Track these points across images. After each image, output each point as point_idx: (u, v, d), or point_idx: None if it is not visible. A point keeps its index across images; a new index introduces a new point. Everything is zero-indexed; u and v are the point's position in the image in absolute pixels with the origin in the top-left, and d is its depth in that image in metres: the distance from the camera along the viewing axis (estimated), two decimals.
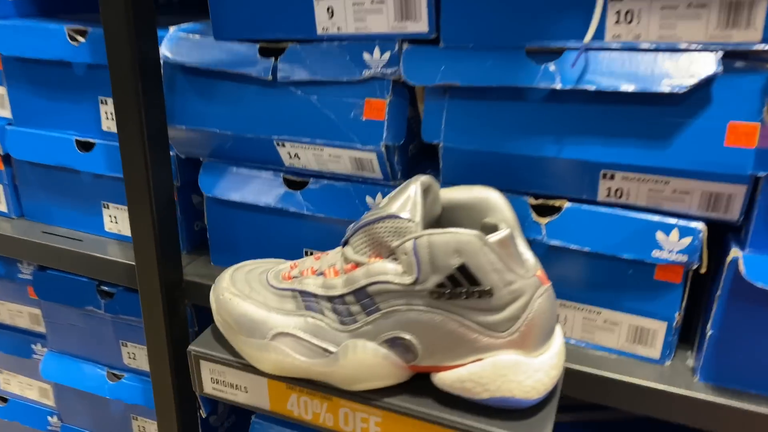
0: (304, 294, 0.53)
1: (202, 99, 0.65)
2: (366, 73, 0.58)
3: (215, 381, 0.59)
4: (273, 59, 0.61)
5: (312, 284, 0.53)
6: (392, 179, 0.62)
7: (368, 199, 0.62)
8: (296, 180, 0.66)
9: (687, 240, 0.52)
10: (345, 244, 0.52)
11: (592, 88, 0.50)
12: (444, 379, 0.51)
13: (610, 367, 0.58)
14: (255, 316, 0.54)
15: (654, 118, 0.51)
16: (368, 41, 0.57)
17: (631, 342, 0.58)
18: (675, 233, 0.53)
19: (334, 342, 0.51)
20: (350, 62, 0.58)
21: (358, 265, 0.50)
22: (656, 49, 0.49)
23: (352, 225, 0.53)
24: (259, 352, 0.54)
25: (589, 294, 0.58)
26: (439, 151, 0.58)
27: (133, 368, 0.86)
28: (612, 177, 0.53)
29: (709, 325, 0.54)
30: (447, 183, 0.59)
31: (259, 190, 0.67)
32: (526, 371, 0.49)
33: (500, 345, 0.49)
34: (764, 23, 0.46)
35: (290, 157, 0.64)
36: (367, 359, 0.51)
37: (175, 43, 0.64)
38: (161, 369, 0.72)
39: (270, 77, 0.61)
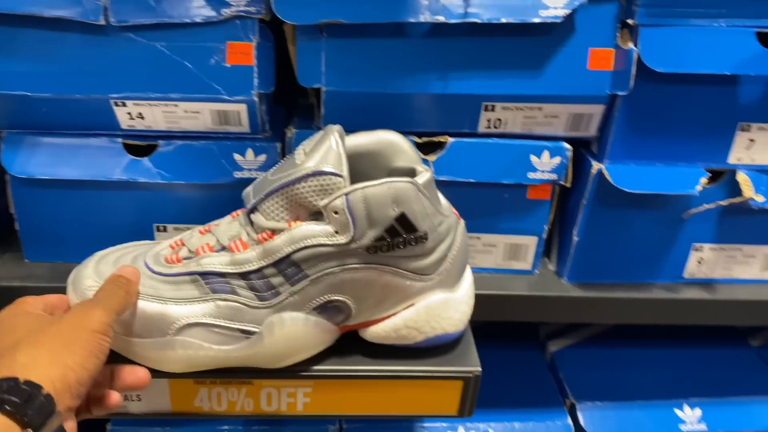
0: (207, 275, 0.46)
1: None
2: (226, 12, 0.50)
3: None
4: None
5: (216, 263, 0.46)
6: (261, 132, 0.56)
7: (237, 156, 0.55)
8: (140, 145, 0.55)
9: (556, 160, 0.57)
10: (252, 210, 0.46)
11: (477, 21, 0.51)
12: (378, 331, 0.49)
13: (491, 285, 0.62)
14: (149, 311, 0.45)
15: (528, 48, 0.53)
16: None
17: (507, 259, 0.63)
18: (546, 155, 0.57)
19: (255, 321, 0.46)
20: (205, 0, 0.50)
21: (274, 232, 0.45)
22: None
23: (252, 188, 0.47)
24: (161, 351, 0.46)
25: (471, 222, 0.59)
26: (320, 95, 0.54)
27: None
28: (492, 108, 0.55)
29: (575, 232, 0.60)
30: None
31: (90, 162, 0.55)
32: (453, 306, 0.50)
33: (429, 287, 0.49)
34: None
35: (131, 117, 0.54)
36: (297, 331, 0.47)
37: None
38: None
39: (102, 21, 0.49)
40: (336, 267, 0.45)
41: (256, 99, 0.53)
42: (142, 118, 0.54)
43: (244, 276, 0.45)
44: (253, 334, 0.46)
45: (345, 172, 0.44)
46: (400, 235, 0.44)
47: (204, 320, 0.46)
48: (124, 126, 0.55)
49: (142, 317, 0.45)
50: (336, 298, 0.46)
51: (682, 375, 0.76)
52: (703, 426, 0.71)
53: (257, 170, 0.56)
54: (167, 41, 0.51)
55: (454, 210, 0.50)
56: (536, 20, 0.51)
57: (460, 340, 0.54)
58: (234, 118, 0.54)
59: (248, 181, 0.56)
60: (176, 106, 0.53)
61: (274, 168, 0.47)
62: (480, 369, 0.51)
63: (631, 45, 0.53)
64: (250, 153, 0.56)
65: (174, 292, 0.46)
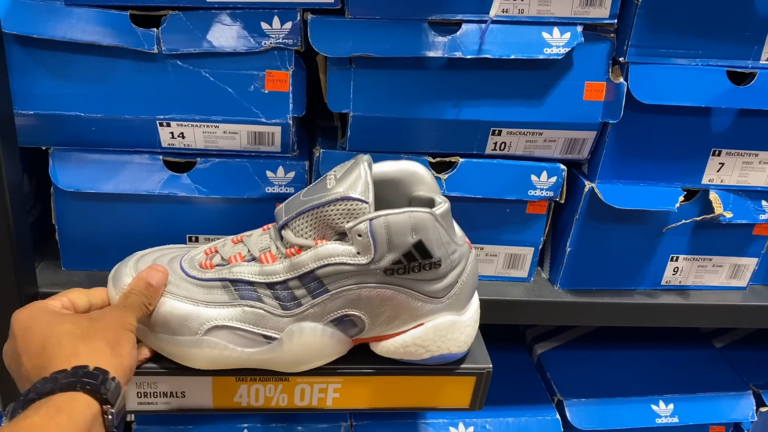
0: (237, 283, 0.51)
1: (55, 78, 0.54)
2: (266, 44, 0.56)
3: (143, 395, 0.54)
4: (155, 30, 0.54)
5: (246, 272, 0.50)
6: (291, 151, 0.61)
7: (269, 173, 0.61)
8: (179, 162, 0.60)
9: (553, 179, 0.64)
10: (283, 227, 0.51)
11: (490, 56, 0.57)
12: (387, 346, 0.54)
13: (491, 291, 0.69)
14: (181, 311, 0.50)
15: (532, 81, 0.60)
16: (266, 10, 0.55)
17: (506, 268, 0.70)
18: (544, 174, 0.64)
19: (276, 328, 0.51)
20: (247, 32, 0.55)
21: (302, 248, 0.49)
22: (534, 22, 0.58)
23: (284, 206, 0.52)
24: (189, 349, 0.51)
25: (476, 234, 0.67)
26: (346, 119, 0.59)
27: None
28: (499, 133, 0.62)
29: (567, 243, 0.67)
30: (352, 150, 0.61)
31: (133, 177, 0.59)
32: (459, 328, 0.54)
33: (439, 309, 0.53)
34: (611, 3, 0.58)
35: (172, 137, 0.58)
36: (314, 340, 0.52)
37: (10, 10, 0.51)
38: None
39: (155, 50, 0.54)
40: (354, 284, 0.49)
41: (290, 122, 0.58)
42: (183, 137, 0.59)
43: (270, 286, 0.50)
44: (274, 339, 0.51)
45: (371, 199, 0.48)
46: (416, 260, 0.49)
47: (231, 323, 0.50)
48: (164, 144, 0.59)
49: (173, 316, 0.50)
50: (352, 312, 0.51)
51: (657, 373, 0.83)
52: (675, 419, 0.79)
53: (287, 186, 0.61)
54: (212, 68, 0.56)
55: (467, 240, 0.55)
56: (541, 57, 0.58)
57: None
58: (268, 138, 0.59)
59: (277, 196, 0.62)
60: (216, 127, 0.58)
61: (306, 189, 0.52)
62: (491, 366, 0.57)
63: (621, 80, 0.60)
64: (281, 170, 0.61)
65: (205, 295, 0.51)
